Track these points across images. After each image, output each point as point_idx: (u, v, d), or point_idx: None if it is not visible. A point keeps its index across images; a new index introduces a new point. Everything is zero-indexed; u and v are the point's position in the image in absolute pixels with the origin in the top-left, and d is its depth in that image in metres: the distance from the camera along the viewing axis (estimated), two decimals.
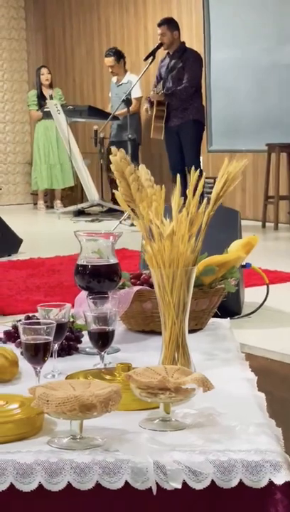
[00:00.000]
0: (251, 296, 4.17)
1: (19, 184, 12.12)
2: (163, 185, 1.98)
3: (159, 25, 8.51)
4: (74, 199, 11.10)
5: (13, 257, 6.39)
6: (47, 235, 8.38)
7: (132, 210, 1.95)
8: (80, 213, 9.80)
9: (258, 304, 4.00)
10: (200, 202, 1.93)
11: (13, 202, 12.03)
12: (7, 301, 4.51)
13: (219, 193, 1.96)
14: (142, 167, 1.99)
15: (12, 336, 2.31)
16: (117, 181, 1.92)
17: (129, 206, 1.95)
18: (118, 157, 1.89)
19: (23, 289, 4.86)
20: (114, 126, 9.92)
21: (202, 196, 1.95)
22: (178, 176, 1.96)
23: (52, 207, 11.18)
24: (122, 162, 1.89)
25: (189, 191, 1.92)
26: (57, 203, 11.04)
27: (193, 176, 1.92)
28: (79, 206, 10.00)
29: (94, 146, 10.08)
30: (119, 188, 1.93)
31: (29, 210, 11.46)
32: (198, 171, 1.94)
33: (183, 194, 1.93)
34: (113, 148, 1.91)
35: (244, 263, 3.53)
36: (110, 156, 1.91)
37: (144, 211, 1.92)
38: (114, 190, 1.99)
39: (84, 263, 2.24)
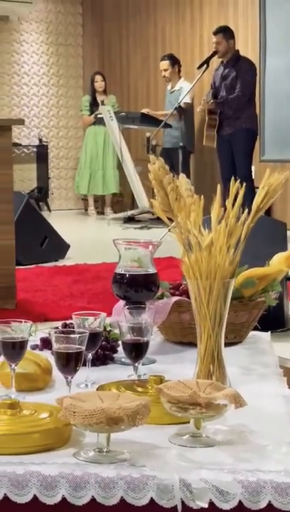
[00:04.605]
0: None
1: (71, 189, 12.17)
2: (202, 196, 1.94)
3: (215, 33, 8.47)
4: (125, 206, 11.11)
5: (60, 263, 6.40)
6: (95, 241, 8.37)
7: (169, 219, 1.92)
8: (130, 220, 9.79)
9: None
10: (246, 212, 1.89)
11: (64, 207, 12.09)
12: (50, 306, 4.51)
13: (259, 204, 1.92)
14: (182, 176, 1.96)
15: (48, 343, 2.29)
16: (155, 190, 1.89)
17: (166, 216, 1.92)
18: (156, 166, 1.86)
19: (67, 295, 4.86)
20: (166, 134, 9.91)
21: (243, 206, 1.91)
22: (219, 186, 1.92)
23: (102, 213, 11.20)
24: (160, 171, 1.86)
25: (228, 202, 1.88)
26: (108, 209, 11.07)
27: (233, 186, 1.89)
28: (130, 213, 10.00)
29: (146, 153, 10.07)
30: (156, 197, 1.90)
31: (79, 216, 11.49)
32: (238, 181, 1.90)
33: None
34: (152, 157, 1.88)
35: None
36: (148, 165, 1.88)
37: (182, 221, 1.89)
38: (151, 200, 1.96)
39: (122, 272, 2.21)
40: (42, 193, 11.66)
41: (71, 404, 1.50)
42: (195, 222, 1.88)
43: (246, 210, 1.92)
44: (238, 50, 8.48)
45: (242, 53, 8.51)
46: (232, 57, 8.37)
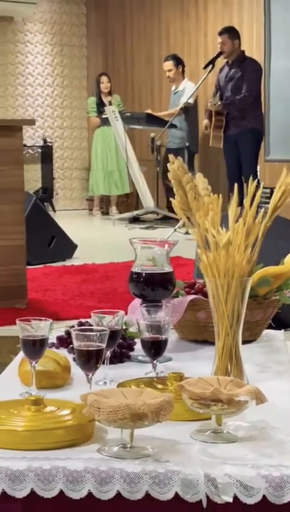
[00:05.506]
0: None
1: (75, 190, 12.20)
2: (221, 195, 1.96)
3: (220, 33, 8.50)
4: (130, 206, 11.13)
5: (68, 263, 6.43)
6: (102, 241, 8.41)
7: (188, 218, 1.94)
8: (135, 220, 9.82)
9: None
10: (257, 212, 1.91)
11: (69, 207, 12.11)
12: (61, 306, 4.53)
13: (276, 204, 1.94)
14: (199, 176, 1.98)
15: (65, 341, 2.31)
16: (174, 190, 1.91)
17: (185, 215, 1.94)
18: (175, 165, 1.88)
19: (76, 295, 4.89)
20: (170, 134, 9.93)
21: (258, 206, 1.93)
22: (235, 185, 1.94)
23: (107, 213, 11.22)
24: (180, 170, 1.88)
25: (246, 201, 1.90)
26: (113, 209, 11.09)
27: (251, 185, 1.91)
28: (135, 213, 10.02)
29: (150, 153, 10.10)
30: (175, 197, 1.92)
31: (84, 216, 11.52)
32: (256, 181, 1.92)
33: (240, 204, 1.91)
34: (171, 157, 1.90)
35: None
36: (168, 165, 1.90)
37: (201, 220, 1.91)
38: (170, 199, 1.98)
39: (139, 271, 2.23)
40: (47, 193, 11.69)
41: (95, 401, 1.52)
42: (213, 221, 1.90)
43: (263, 209, 1.94)
44: (244, 51, 8.50)
45: (247, 53, 8.54)
46: (237, 57, 8.40)
